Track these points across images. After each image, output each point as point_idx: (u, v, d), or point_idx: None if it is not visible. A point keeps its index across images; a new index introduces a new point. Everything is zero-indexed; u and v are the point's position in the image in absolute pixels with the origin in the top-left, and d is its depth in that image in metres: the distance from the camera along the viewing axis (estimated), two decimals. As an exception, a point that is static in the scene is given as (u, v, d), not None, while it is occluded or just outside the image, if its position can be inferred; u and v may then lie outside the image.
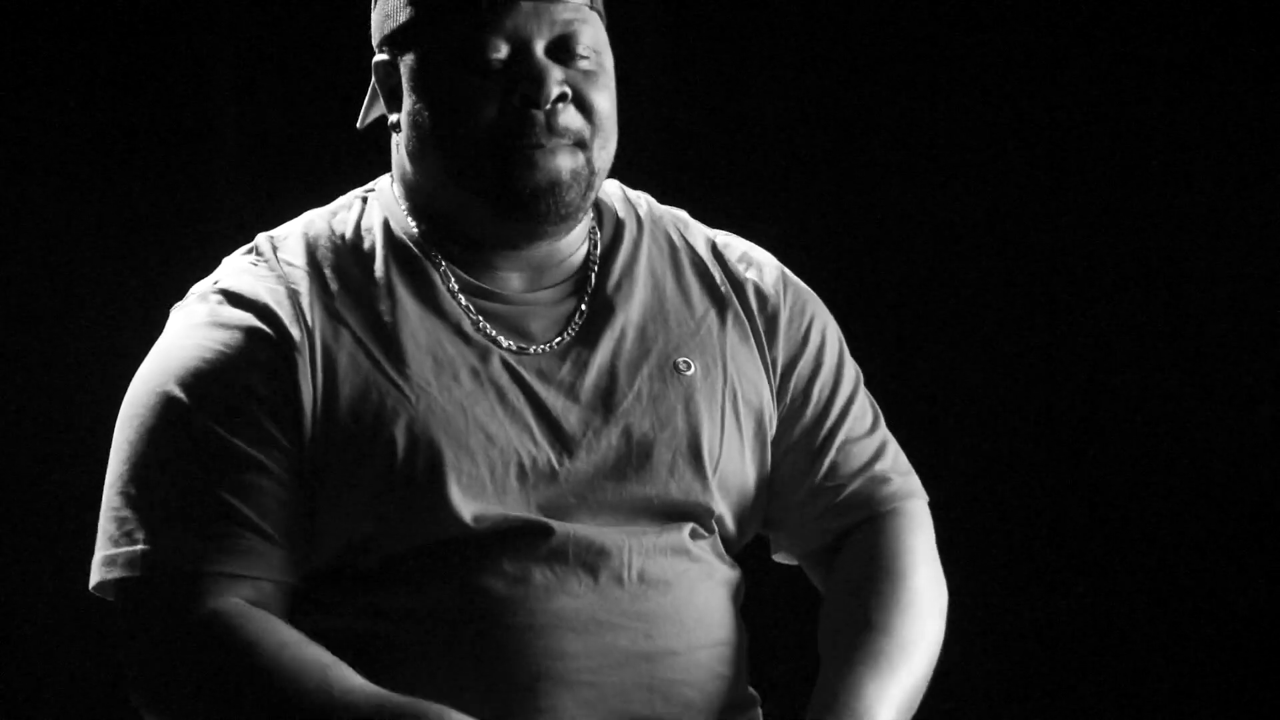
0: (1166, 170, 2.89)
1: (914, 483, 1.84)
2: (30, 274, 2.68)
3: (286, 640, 1.59)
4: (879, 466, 1.82)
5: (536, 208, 1.67)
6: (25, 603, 2.71)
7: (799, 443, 1.80)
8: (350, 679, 1.57)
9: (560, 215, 1.68)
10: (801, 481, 1.80)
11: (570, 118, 1.67)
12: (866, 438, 1.83)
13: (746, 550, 1.83)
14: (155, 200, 2.70)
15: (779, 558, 1.89)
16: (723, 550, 1.78)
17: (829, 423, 1.81)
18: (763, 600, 1.93)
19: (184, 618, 1.59)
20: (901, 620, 1.72)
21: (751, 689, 1.79)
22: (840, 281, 2.11)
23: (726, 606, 1.75)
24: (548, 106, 1.65)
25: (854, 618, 1.73)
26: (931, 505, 1.84)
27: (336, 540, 1.64)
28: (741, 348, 1.78)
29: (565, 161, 1.66)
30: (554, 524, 1.66)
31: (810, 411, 1.80)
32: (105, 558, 1.63)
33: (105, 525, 1.64)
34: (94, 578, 1.65)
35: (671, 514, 1.71)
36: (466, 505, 1.63)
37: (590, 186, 1.69)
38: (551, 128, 1.66)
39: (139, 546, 1.60)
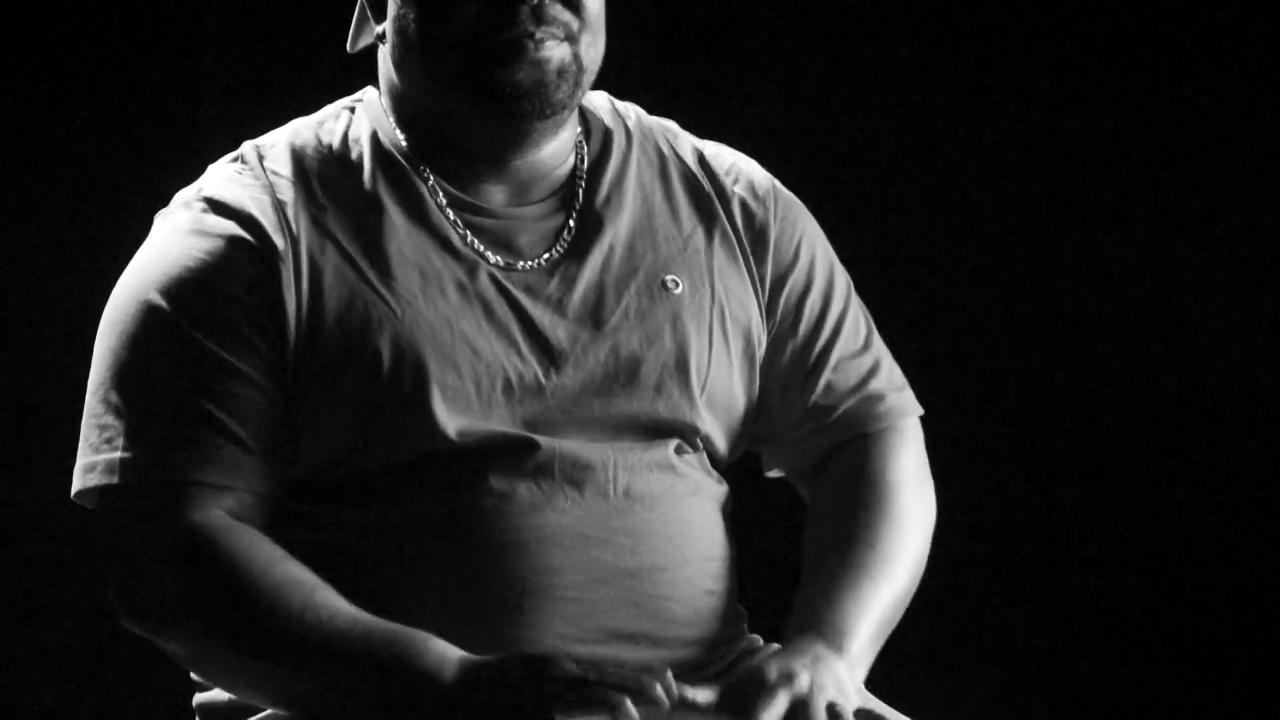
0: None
1: (908, 399, 1.83)
2: (15, 185, 2.66)
3: (272, 558, 1.58)
4: (873, 385, 1.80)
5: (521, 105, 1.64)
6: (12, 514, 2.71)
7: (791, 362, 1.79)
8: (337, 602, 1.56)
9: (546, 112, 1.65)
10: (795, 402, 1.79)
11: (559, 10, 1.64)
12: (860, 355, 1.81)
13: (735, 465, 1.82)
14: (142, 113, 2.68)
15: (772, 474, 1.88)
16: (709, 466, 1.77)
17: (821, 341, 1.79)
18: (751, 516, 1.92)
19: (167, 529, 1.58)
20: (884, 535, 1.72)
21: (740, 605, 1.79)
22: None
23: (714, 522, 1.74)
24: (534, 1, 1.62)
25: (837, 532, 1.73)
26: (923, 419, 1.83)
27: (319, 453, 1.63)
28: (729, 266, 1.76)
29: (553, 53, 1.63)
30: (540, 439, 1.65)
31: (802, 330, 1.79)
32: (86, 464, 1.62)
33: (87, 432, 1.63)
34: (75, 484, 1.64)
35: (658, 431, 1.70)
36: (451, 420, 1.62)
37: (578, 84, 1.66)
38: (539, 17, 1.63)
39: (119, 454, 1.59)
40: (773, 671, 1.57)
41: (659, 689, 1.49)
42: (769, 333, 1.78)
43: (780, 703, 1.56)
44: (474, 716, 1.51)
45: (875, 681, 1.74)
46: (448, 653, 1.53)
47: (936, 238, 2.94)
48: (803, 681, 1.57)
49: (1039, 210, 2.95)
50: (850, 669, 1.61)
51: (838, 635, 1.64)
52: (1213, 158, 2.91)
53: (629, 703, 1.47)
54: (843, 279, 1.83)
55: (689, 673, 1.70)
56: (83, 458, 1.63)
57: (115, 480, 1.60)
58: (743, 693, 1.57)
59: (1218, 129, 2.90)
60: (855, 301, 1.84)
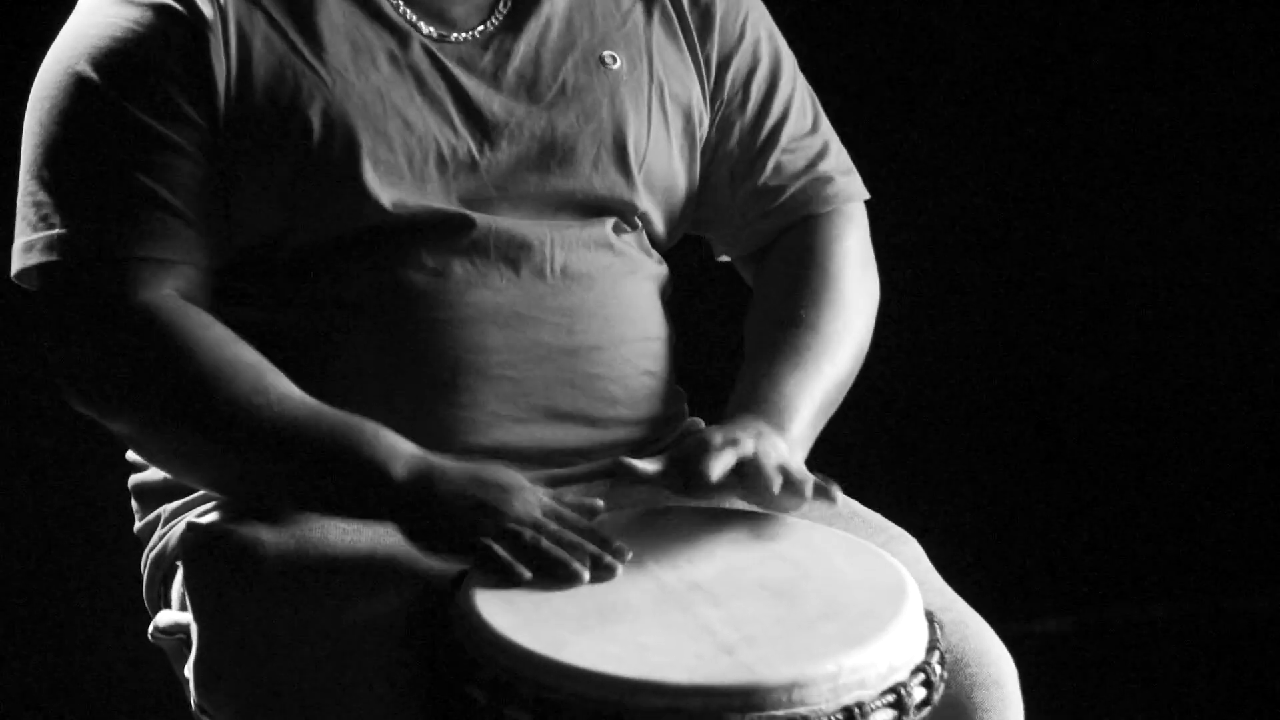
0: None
1: (855, 183, 1.81)
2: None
3: (223, 338, 1.56)
4: (822, 166, 1.79)
5: None
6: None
7: (740, 143, 1.77)
8: (286, 386, 1.55)
9: None
10: (743, 184, 1.77)
11: None
12: (809, 136, 1.79)
13: (676, 248, 1.81)
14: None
15: (721, 259, 1.87)
16: (649, 246, 1.75)
17: (770, 122, 1.77)
18: (692, 298, 1.91)
19: (116, 306, 1.56)
20: (827, 316, 1.70)
21: (678, 386, 1.78)
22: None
23: (652, 302, 1.73)
24: None
25: (780, 313, 1.71)
26: (869, 205, 1.82)
27: (253, 229, 1.61)
28: (669, 44, 1.73)
29: None
30: (474, 215, 1.63)
31: (750, 110, 1.76)
32: (24, 244, 1.60)
33: (23, 211, 1.61)
34: (15, 265, 1.61)
35: (595, 209, 1.69)
36: (385, 192, 1.60)
37: None
38: None
39: (56, 230, 1.57)
40: (718, 438, 1.56)
41: (615, 562, 1.46)
42: (716, 114, 1.75)
43: (726, 458, 1.53)
44: (418, 520, 1.50)
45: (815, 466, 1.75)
46: (398, 445, 1.52)
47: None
48: (748, 445, 1.55)
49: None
50: (791, 449, 1.60)
51: (779, 414, 1.62)
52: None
53: (586, 573, 1.45)
54: (789, 60, 1.80)
55: (627, 453, 1.70)
56: (20, 237, 1.60)
57: (55, 258, 1.57)
58: (687, 459, 1.55)
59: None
60: (802, 83, 1.81)
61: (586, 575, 1.45)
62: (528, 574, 1.45)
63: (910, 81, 2.98)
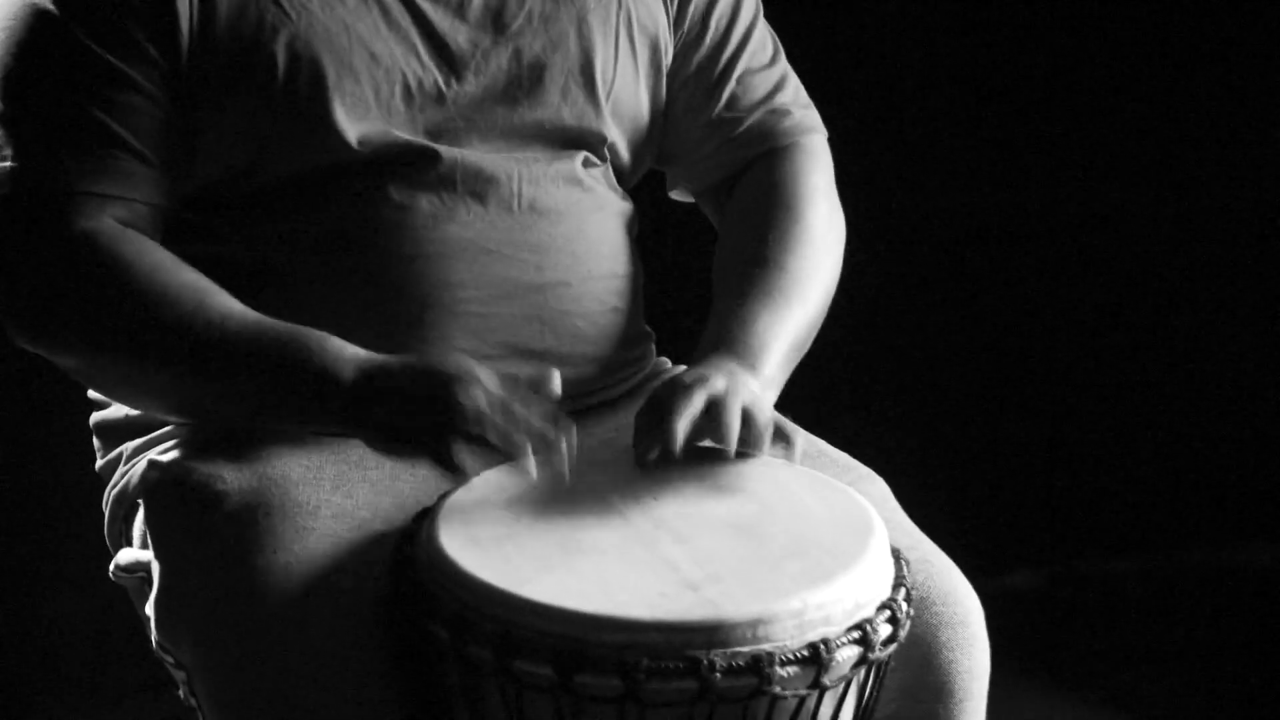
0: None
1: (814, 117, 1.80)
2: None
3: (162, 263, 1.54)
4: (779, 99, 1.78)
5: None
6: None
7: (697, 73, 1.75)
8: (230, 304, 1.53)
9: None
10: (700, 114, 1.76)
11: None
12: (766, 69, 1.78)
13: (641, 187, 1.79)
14: None
15: (675, 194, 1.86)
16: (615, 182, 1.74)
17: (727, 53, 1.76)
18: (660, 238, 1.90)
19: (55, 237, 1.53)
20: (796, 255, 1.69)
21: (646, 325, 1.77)
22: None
23: (619, 239, 1.71)
24: None
25: (749, 252, 1.70)
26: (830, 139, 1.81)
27: (218, 164, 1.59)
28: None
29: None
30: (441, 149, 1.61)
31: (708, 40, 1.75)
32: None
33: None
34: None
35: (563, 140, 1.67)
36: (351, 126, 1.58)
37: None
38: None
39: (7, 164, 1.55)
40: (688, 377, 1.54)
41: (562, 441, 1.45)
42: (677, 43, 1.74)
43: (697, 399, 1.51)
44: (369, 421, 1.48)
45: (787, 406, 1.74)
46: (344, 351, 1.49)
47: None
48: (719, 383, 1.53)
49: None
50: (764, 388, 1.59)
51: (751, 354, 1.60)
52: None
53: (531, 457, 1.44)
54: None
55: (595, 390, 1.70)
56: None
57: (5, 191, 1.55)
58: (658, 400, 1.53)
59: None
60: (763, 21, 1.80)
61: (530, 453, 1.43)
62: (476, 473, 1.44)
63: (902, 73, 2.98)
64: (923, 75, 2.97)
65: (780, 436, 1.53)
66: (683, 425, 1.49)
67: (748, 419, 1.52)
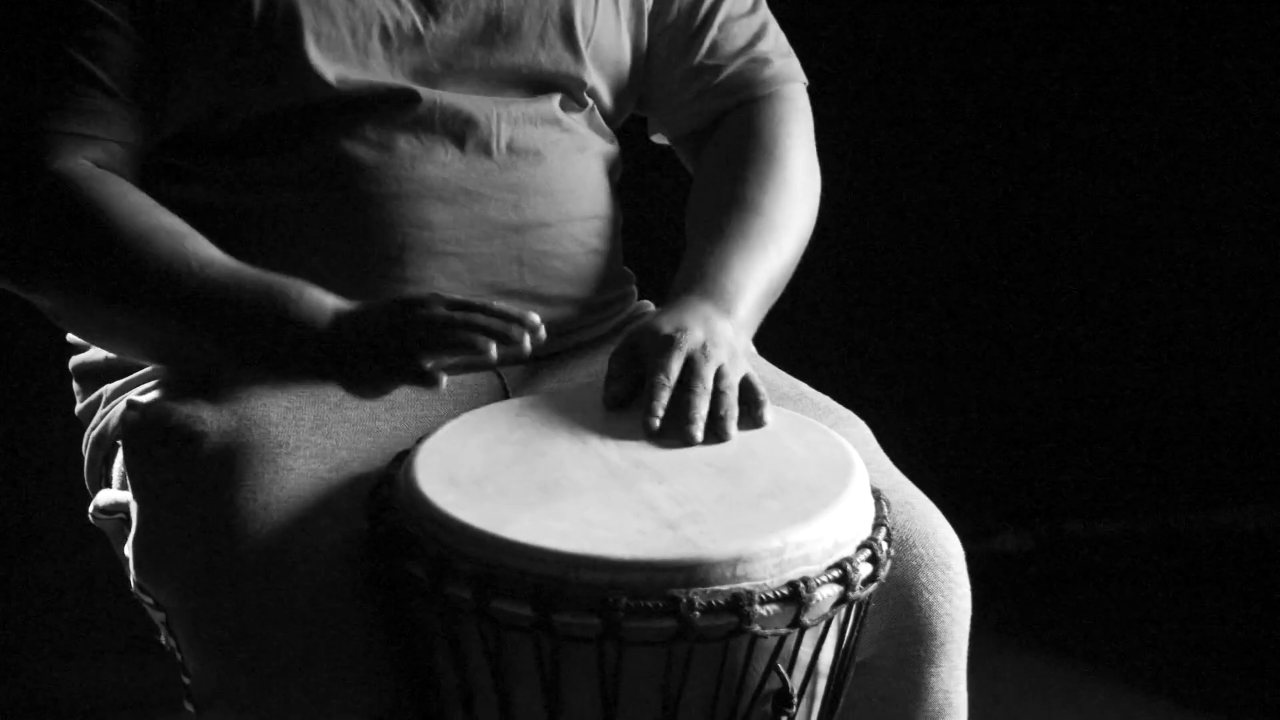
0: None
1: (794, 66, 1.79)
2: None
3: (139, 205, 1.53)
4: (760, 47, 1.77)
5: None
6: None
7: (678, 19, 1.75)
8: (208, 250, 1.51)
9: None
10: (681, 60, 1.75)
11: None
12: (748, 16, 1.78)
13: (623, 133, 1.78)
14: None
15: (657, 138, 1.85)
16: (600, 123, 1.73)
17: (708, 1, 1.75)
18: (642, 183, 1.89)
19: (29, 177, 1.52)
20: (773, 201, 1.68)
21: (626, 267, 1.76)
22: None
23: (600, 180, 1.71)
24: None
25: (725, 196, 1.69)
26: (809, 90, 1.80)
27: (195, 104, 1.58)
28: None
29: None
30: (419, 90, 1.60)
31: None
32: None
33: None
34: None
35: (541, 85, 1.66)
36: (328, 66, 1.57)
37: None
38: None
39: None
40: (665, 325, 1.53)
41: (523, 334, 1.43)
42: None
43: (677, 358, 1.50)
44: (346, 362, 1.46)
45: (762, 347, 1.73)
46: (323, 300, 1.49)
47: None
48: (697, 335, 1.53)
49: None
50: (737, 332, 1.58)
51: (726, 298, 1.60)
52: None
53: (492, 345, 1.42)
54: None
55: (575, 330, 1.69)
56: None
57: None
58: (633, 346, 1.53)
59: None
60: None
61: (493, 351, 1.41)
62: (442, 384, 1.42)
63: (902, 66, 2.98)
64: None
65: (747, 400, 1.51)
66: (663, 397, 1.48)
67: (719, 378, 1.50)
